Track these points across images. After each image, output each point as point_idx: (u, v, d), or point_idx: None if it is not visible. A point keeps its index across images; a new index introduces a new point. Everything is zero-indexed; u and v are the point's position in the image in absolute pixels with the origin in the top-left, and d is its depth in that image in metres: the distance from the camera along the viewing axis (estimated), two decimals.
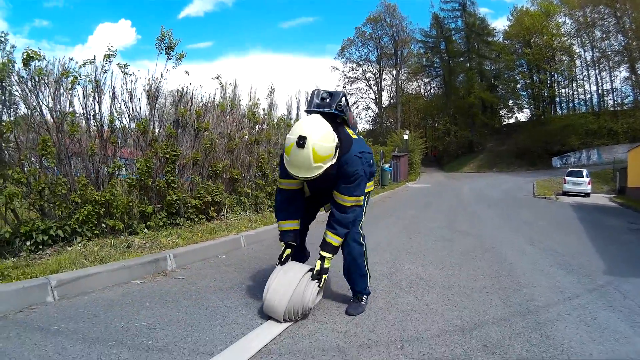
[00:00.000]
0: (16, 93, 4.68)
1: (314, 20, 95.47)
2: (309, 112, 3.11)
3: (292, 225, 3.25)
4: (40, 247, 4.33)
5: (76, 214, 4.74)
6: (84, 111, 5.24)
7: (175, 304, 3.27)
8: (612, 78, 48.55)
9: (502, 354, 2.58)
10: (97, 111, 5.37)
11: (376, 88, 66.32)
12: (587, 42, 49.55)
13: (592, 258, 5.82)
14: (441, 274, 4.55)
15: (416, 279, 4.31)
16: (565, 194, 22.25)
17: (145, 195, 5.80)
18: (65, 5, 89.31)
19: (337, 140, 2.83)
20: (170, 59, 6.13)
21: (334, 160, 2.82)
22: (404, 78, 65.41)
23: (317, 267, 3.05)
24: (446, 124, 59.66)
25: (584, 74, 51.40)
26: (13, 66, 4.57)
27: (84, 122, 5.31)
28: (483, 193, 20.31)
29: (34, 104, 4.73)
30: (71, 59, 5.07)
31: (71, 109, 5.04)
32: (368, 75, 66.20)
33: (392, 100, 65.55)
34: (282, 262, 3.15)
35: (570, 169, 25.45)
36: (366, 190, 3.23)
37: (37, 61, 4.66)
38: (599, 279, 4.59)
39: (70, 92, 5.00)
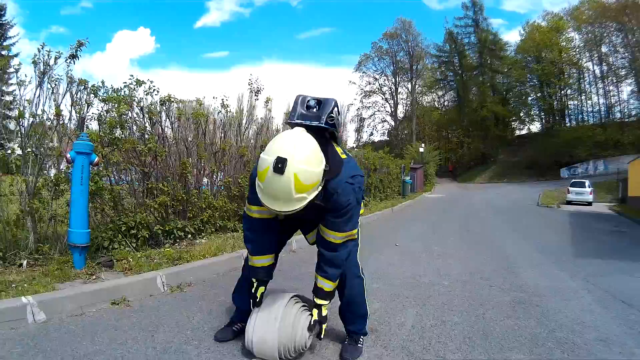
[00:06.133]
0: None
1: (330, 31, 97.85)
2: (291, 124, 2.48)
3: (266, 260, 2.72)
4: (177, 241, 5.61)
5: (200, 216, 6.23)
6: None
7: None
8: (620, 91, 49.12)
9: (490, 281, 4.89)
10: (214, 140, 7.20)
11: (392, 101, 67.88)
12: (595, 56, 50.13)
13: (566, 247, 7.89)
14: (457, 252, 6.89)
15: (442, 253, 6.66)
16: (569, 203, 23.37)
17: (243, 203, 7.49)
18: (81, 13, 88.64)
19: (324, 163, 2.24)
20: (257, 100, 8.27)
21: (320, 189, 2.26)
22: (418, 91, 66.69)
23: (315, 317, 2.53)
24: (460, 136, 60.66)
25: (592, 87, 51.95)
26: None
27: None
28: (492, 202, 22.18)
29: (180, 137, 6.41)
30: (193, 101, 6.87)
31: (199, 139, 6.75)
32: (384, 88, 68.00)
33: (407, 113, 66.84)
34: (256, 303, 2.61)
35: (573, 180, 26.65)
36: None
37: (174, 103, 6.11)
38: (563, 258, 6.69)
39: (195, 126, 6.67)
